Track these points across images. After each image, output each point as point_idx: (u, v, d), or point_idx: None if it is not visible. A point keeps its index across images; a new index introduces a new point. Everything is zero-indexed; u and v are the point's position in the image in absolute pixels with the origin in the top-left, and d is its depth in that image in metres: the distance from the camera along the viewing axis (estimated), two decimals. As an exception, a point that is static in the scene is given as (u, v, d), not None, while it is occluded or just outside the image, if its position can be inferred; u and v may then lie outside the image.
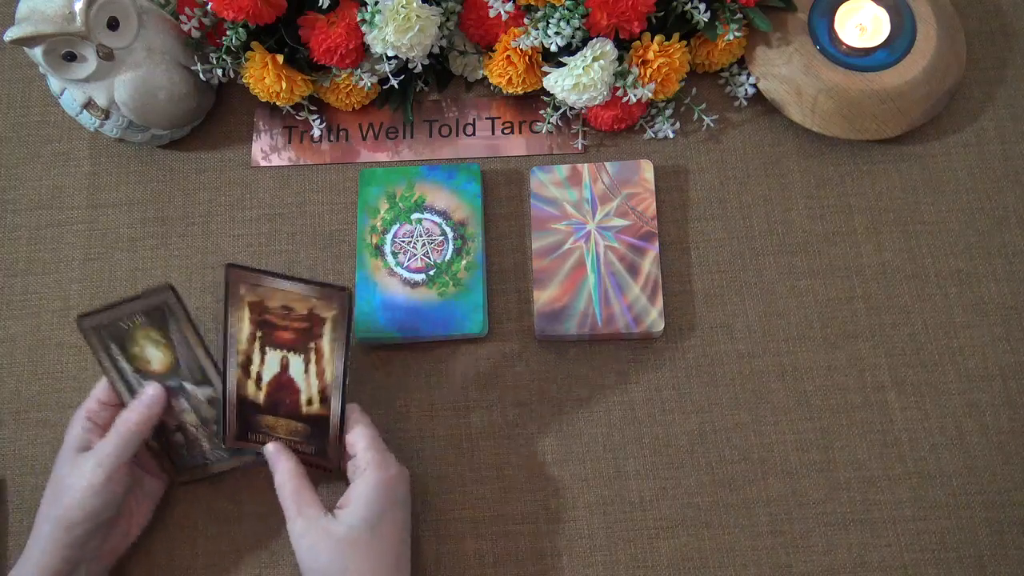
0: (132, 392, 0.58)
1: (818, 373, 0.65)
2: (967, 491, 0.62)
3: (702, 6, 0.65)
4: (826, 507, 0.62)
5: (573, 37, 0.65)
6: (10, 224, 0.71)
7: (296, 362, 0.55)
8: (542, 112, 0.71)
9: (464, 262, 0.67)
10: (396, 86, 0.68)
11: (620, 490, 0.63)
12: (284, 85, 0.67)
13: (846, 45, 0.68)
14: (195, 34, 0.67)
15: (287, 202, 0.71)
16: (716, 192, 0.70)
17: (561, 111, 0.71)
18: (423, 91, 0.74)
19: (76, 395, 0.66)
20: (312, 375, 0.55)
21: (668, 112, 0.71)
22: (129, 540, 0.60)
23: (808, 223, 0.69)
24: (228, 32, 0.66)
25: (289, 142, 0.73)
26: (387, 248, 0.67)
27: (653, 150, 0.71)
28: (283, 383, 0.56)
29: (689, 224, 0.69)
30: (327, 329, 0.54)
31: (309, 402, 0.56)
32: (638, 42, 0.66)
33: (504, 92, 0.70)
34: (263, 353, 0.56)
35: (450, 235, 0.67)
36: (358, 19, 0.64)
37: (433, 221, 0.68)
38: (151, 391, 0.57)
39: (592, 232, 0.67)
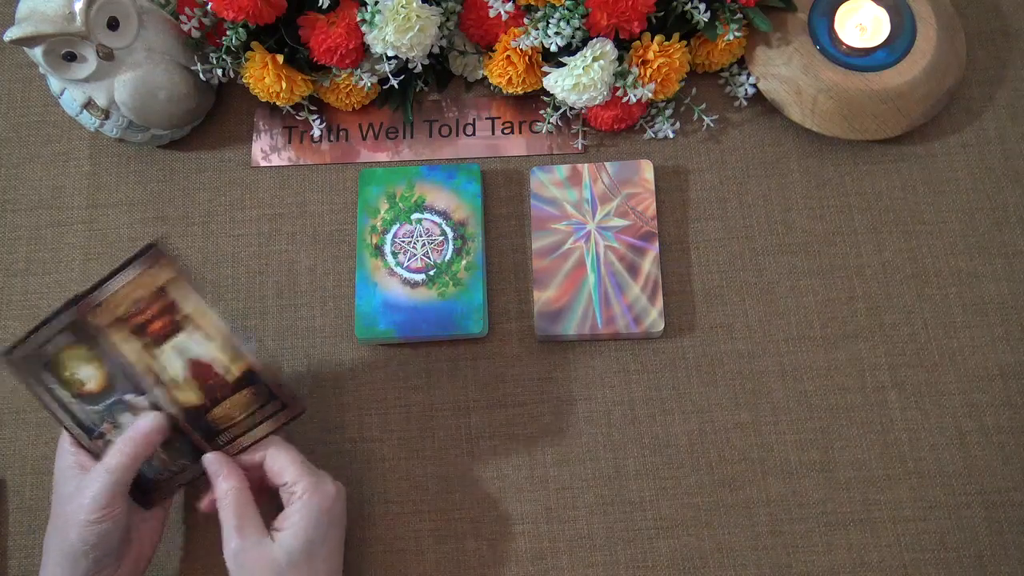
0: (78, 422, 0.55)
1: (818, 373, 0.65)
2: (967, 491, 0.62)
3: (702, 6, 0.65)
4: (826, 507, 0.62)
5: (573, 37, 0.65)
6: (10, 224, 0.71)
7: (185, 341, 0.53)
8: (542, 112, 0.71)
9: (464, 262, 0.67)
10: (396, 86, 0.68)
11: (620, 490, 0.63)
12: (284, 85, 0.67)
13: (846, 45, 0.68)
14: (195, 34, 0.67)
15: (287, 202, 0.71)
16: (716, 192, 0.70)
17: (561, 111, 0.71)
18: (423, 91, 0.74)
19: (76, 395, 0.66)
20: (204, 341, 0.53)
21: (668, 112, 0.71)
22: (144, 560, 0.57)
23: (808, 223, 0.69)
24: (228, 32, 0.66)
25: (289, 142, 0.73)
26: (387, 248, 0.67)
27: (653, 150, 0.71)
28: (196, 368, 0.54)
29: (689, 224, 0.69)
30: (176, 291, 0.52)
31: (227, 369, 0.54)
32: (638, 42, 0.66)
33: (504, 92, 0.70)
34: (160, 354, 0.53)
35: (450, 235, 0.67)
36: (358, 19, 0.64)
37: (433, 221, 0.68)
38: (146, 423, 0.54)
39: (592, 232, 0.67)
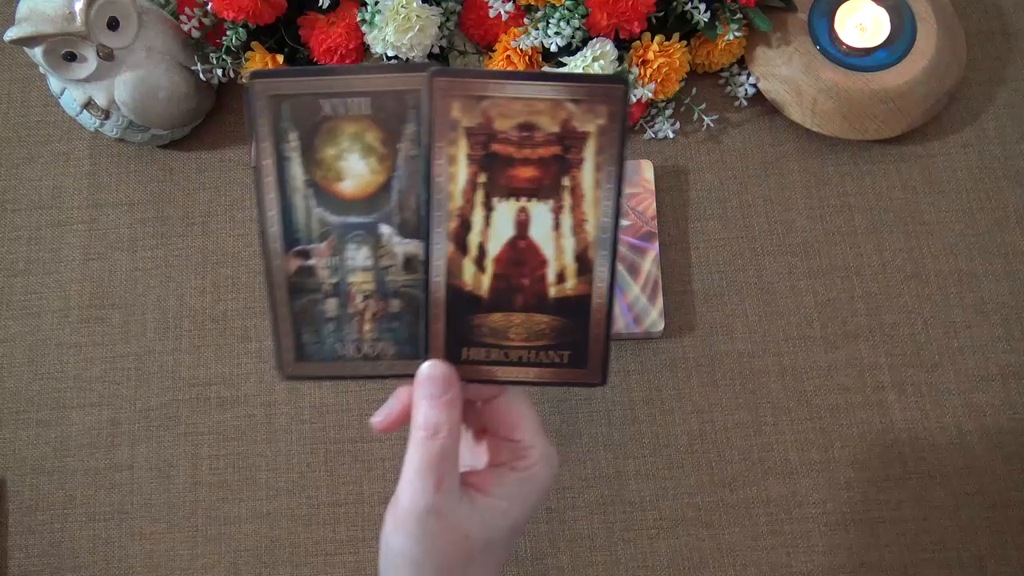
0: (288, 219, 0.38)
1: (818, 373, 0.65)
2: (967, 491, 0.62)
3: (702, 6, 0.65)
4: (826, 507, 0.62)
5: (573, 37, 0.65)
6: (10, 224, 0.71)
7: (541, 214, 0.37)
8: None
9: (465, 262, 0.66)
10: (396, 86, 0.68)
11: (620, 490, 0.63)
12: (284, 85, 0.67)
13: (846, 45, 0.68)
14: (195, 34, 0.67)
15: (287, 202, 0.71)
16: (716, 192, 0.70)
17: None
18: (423, 91, 0.74)
19: (76, 395, 0.66)
20: (566, 231, 0.38)
21: (668, 112, 0.71)
22: None
23: (808, 223, 0.69)
24: (228, 32, 0.66)
25: (289, 142, 0.73)
26: (387, 248, 0.67)
27: (653, 150, 0.71)
28: (520, 253, 0.38)
29: (689, 224, 0.69)
30: (590, 150, 0.37)
31: (561, 277, 0.38)
32: (638, 42, 0.66)
33: (504, 92, 0.70)
34: (488, 209, 0.37)
35: (451, 235, 0.67)
36: (358, 19, 0.64)
37: (434, 221, 0.67)
38: (431, 373, 0.37)
39: (592, 232, 0.67)
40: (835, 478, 0.62)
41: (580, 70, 0.64)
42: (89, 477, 0.64)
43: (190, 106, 0.68)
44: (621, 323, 0.64)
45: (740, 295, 0.67)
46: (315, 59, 0.66)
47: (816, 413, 0.64)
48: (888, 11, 0.68)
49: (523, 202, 0.37)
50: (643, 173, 0.68)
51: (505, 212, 0.37)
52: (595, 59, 0.64)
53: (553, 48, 0.65)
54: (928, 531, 0.61)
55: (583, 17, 0.64)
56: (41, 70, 0.64)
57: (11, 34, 0.60)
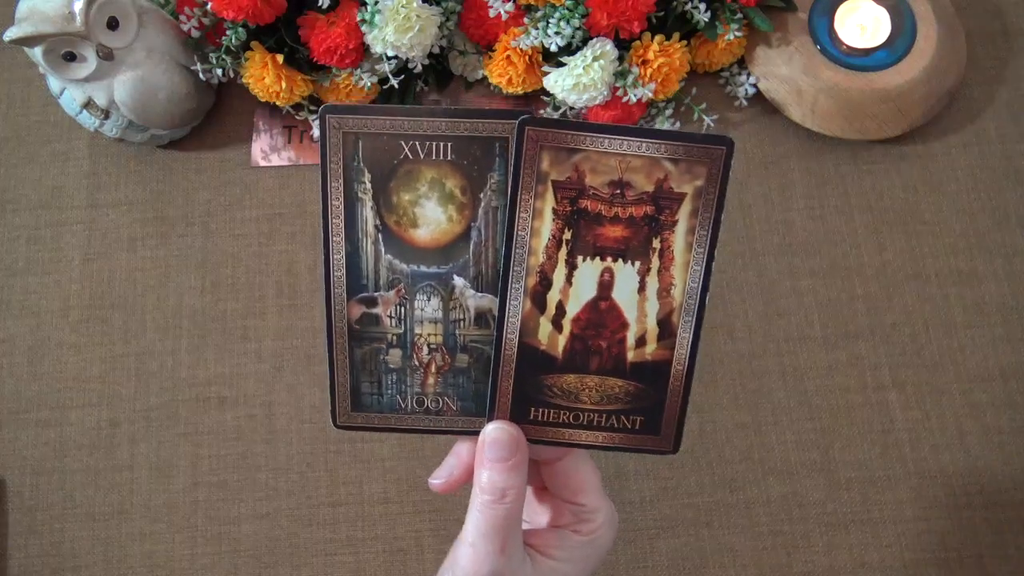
0: (352, 262, 0.36)
1: (818, 373, 0.65)
2: (967, 491, 0.62)
3: (702, 6, 0.65)
4: (826, 507, 0.62)
5: (573, 37, 0.65)
6: (10, 224, 0.71)
7: (627, 275, 0.36)
8: (542, 112, 0.71)
9: (465, 262, 0.66)
10: (396, 86, 0.68)
11: (620, 490, 0.63)
12: (284, 85, 0.67)
13: (846, 45, 0.68)
14: (195, 34, 0.67)
15: (287, 202, 0.71)
16: (716, 192, 0.70)
17: (561, 111, 0.71)
18: (423, 91, 0.74)
19: (76, 395, 0.66)
20: (651, 294, 0.36)
21: (668, 112, 0.71)
22: None
23: (808, 223, 0.69)
24: (228, 32, 0.66)
25: (289, 142, 0.73)
26: (388, 248, 0.67)
27: (653, 150, 0.71)
28: (601, 314, 0.36)
29: (689, 224, 0.69)
30: (684, 212, 0.35)
31: (641, 341, 0.37)
32: (638, 42, 0.66)
33: (504, 92, 0.70)
34: (571, 267, 0.36)
35: (451, 235, 0.67)
36: (358, 19, 0.64)
37: (434, 221, 0.67)
38: (497, 436, 0.36)
39: (592, 232, 0.67)
40: (835, 478, 0.62)
41: (580, 70, 0.64)
42: (89, 477, 0.64)
43: (190, 106, 0.68)
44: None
45: (740, 295, 0.67)
46: (315, 59, 0.66)
47: (816, 413, 0.64)
48: (888, 11, 0.68)
49: (608, 262, 0.36)
50: (643, 173, 0.68)
51: (589, 272, 0.36)
52: (595, 59, 0.64)
53: (553, 48, 0.65)
54: (928, 531, 0.61)
55: (583, 17, 0.64)
56: (41, 70, 0.64)
57: (11, 34, 0.60)
